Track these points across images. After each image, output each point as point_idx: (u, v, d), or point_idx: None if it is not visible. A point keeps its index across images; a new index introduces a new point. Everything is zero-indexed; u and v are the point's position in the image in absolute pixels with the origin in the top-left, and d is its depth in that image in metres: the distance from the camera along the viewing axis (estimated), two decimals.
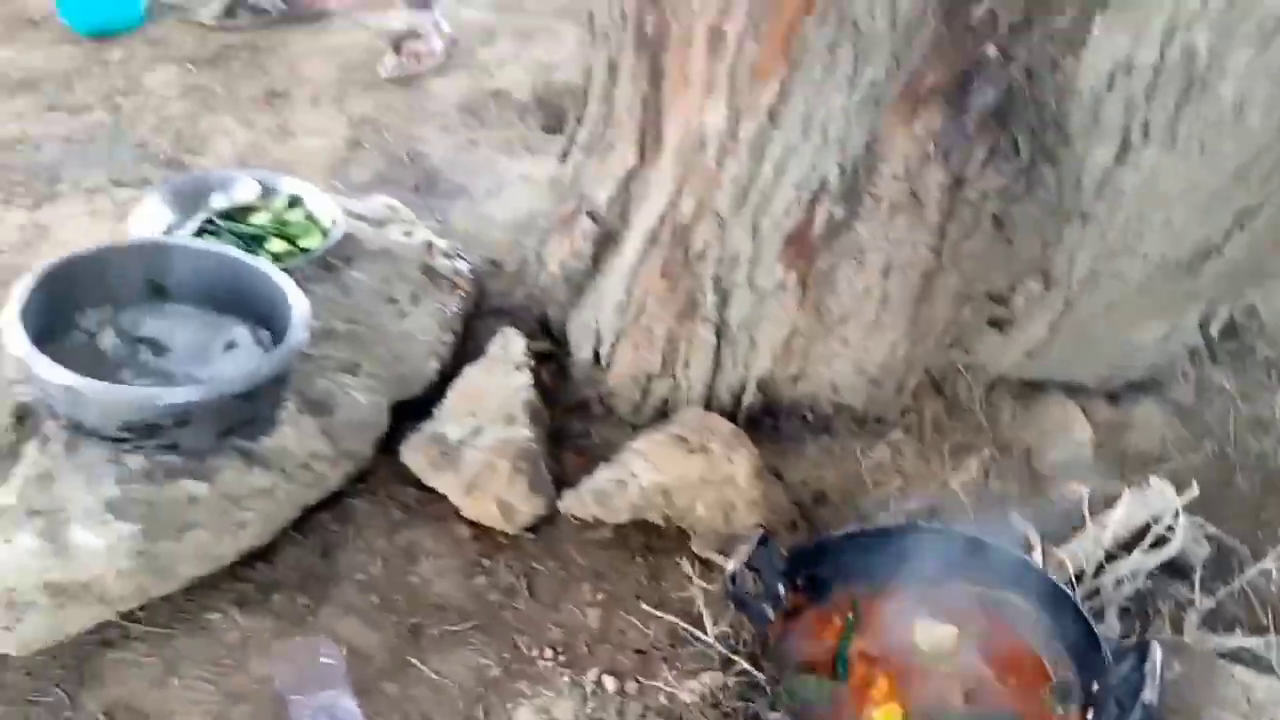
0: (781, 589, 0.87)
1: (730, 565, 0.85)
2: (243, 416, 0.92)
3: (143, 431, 0.88)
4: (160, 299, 1.04)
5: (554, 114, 1.72)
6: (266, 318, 1.01)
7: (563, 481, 1.04)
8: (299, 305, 0.97)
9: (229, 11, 1.91)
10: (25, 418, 0.96)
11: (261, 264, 1.02)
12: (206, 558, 0.93)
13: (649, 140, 1.05)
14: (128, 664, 0.90)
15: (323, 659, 0.83)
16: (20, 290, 0.91)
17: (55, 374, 0.86)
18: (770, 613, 0.86)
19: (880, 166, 0.97)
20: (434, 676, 0.89)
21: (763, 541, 0.87)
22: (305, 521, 1.00)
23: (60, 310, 0.98)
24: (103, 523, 0.87)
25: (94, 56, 1.84)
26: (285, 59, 1.85)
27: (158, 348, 1.01)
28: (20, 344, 0.87)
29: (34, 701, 0.87)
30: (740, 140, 0.96)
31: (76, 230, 1.42)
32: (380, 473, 1.06)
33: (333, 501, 1.02)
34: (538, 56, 1.91)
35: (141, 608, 0.92)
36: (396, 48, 1.80)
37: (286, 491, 0.97)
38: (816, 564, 0.91)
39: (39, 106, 1.70)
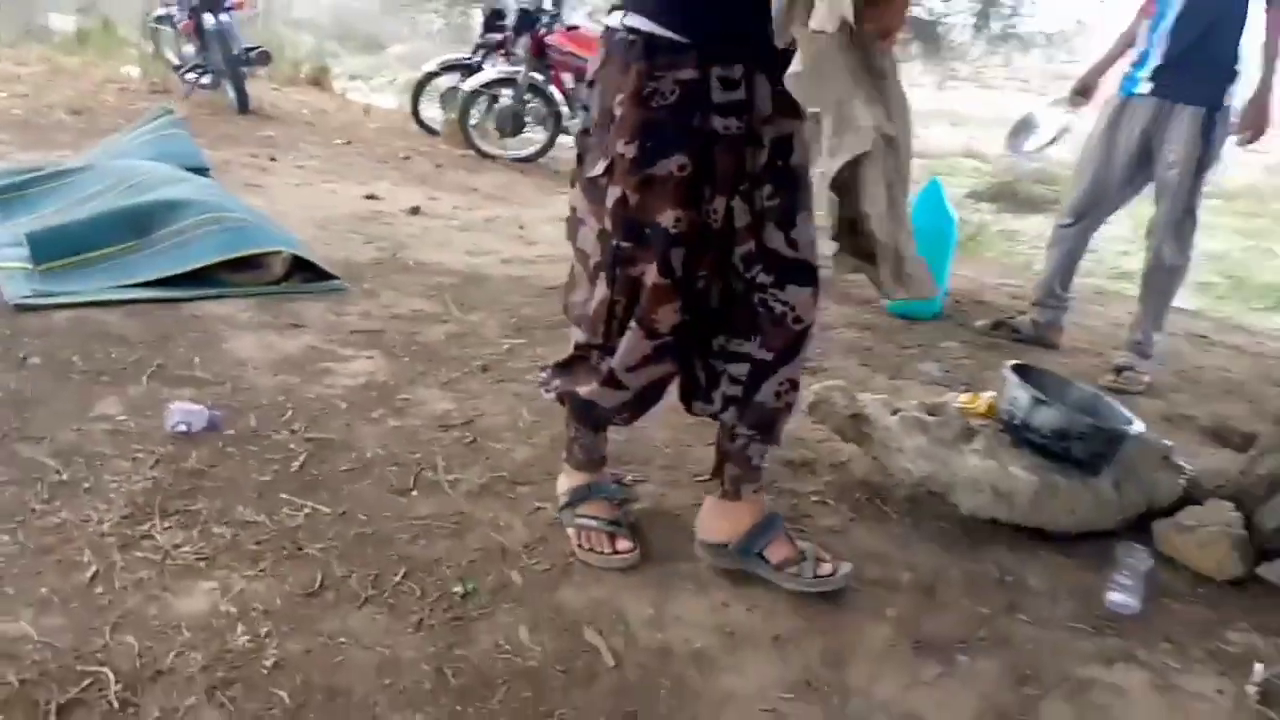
0: None
1: None
2: (1102, 452, 1.78)
3: (1059, 436, 1.77)
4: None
5: None
6: None
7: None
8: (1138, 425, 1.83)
9: (995, 326, 3.10)
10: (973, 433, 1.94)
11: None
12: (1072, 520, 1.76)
13: None
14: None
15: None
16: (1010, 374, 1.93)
17: (1031, 392, 1.81)
18: None
19: None
20: None
21: None
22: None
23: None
24: (1025, 470, 1.77)
25: (898, 330, 3.11)
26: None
27: None
28: (1017, 379, 1.86)
29: None
30: None
31: None
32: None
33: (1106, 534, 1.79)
34: None
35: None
36: None
37: (1109, 504, 1.78)
38: None
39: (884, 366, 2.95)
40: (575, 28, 5.30)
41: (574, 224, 1.47)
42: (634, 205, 1.34)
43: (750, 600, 1.53)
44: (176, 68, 5.62)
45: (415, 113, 5.78)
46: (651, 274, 1.36)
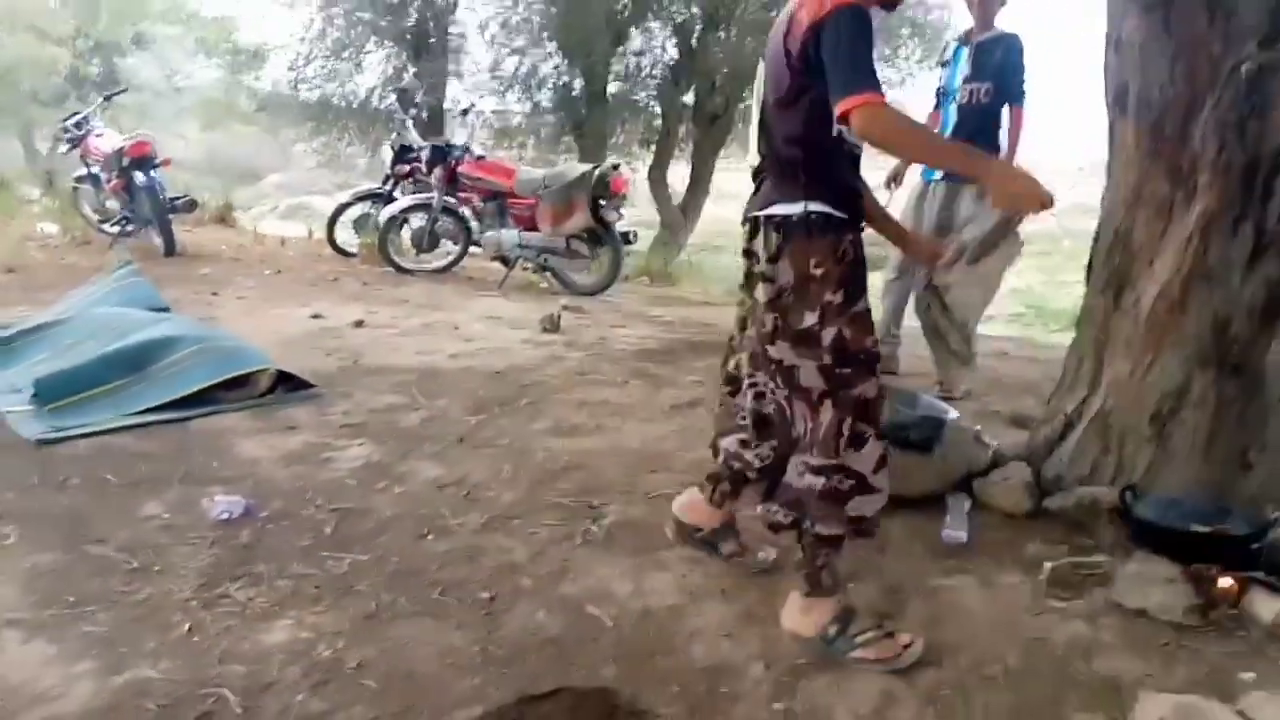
0: None
1: None
2: (931, 436, 2.37)
3: (899, 427, 2.35)
4: None
5: None
6: None
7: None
8: (953, 414, 2.44)
9: None
10: None
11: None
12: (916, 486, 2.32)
13: (1094, 383, 2.43)
14: None
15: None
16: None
17: None
18: None
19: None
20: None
21: None
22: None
23: None
24: None
25: None
26: None
27: None
28: None
29: None
30: (1135, 377, 2.31)
31: None
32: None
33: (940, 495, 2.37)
34: None
35: None
36: None
37: (940, 472, 2.36)
38: None
39: None
40: (482, 158, 5.89)
41: (787, 371, 1.67)
42: (849, 338, 1.63)
43: (702, 571, 2.00)
44: (102, 221, 5.82)
45: (331, 238, 6.16)
46: (872, 388, 1.66)
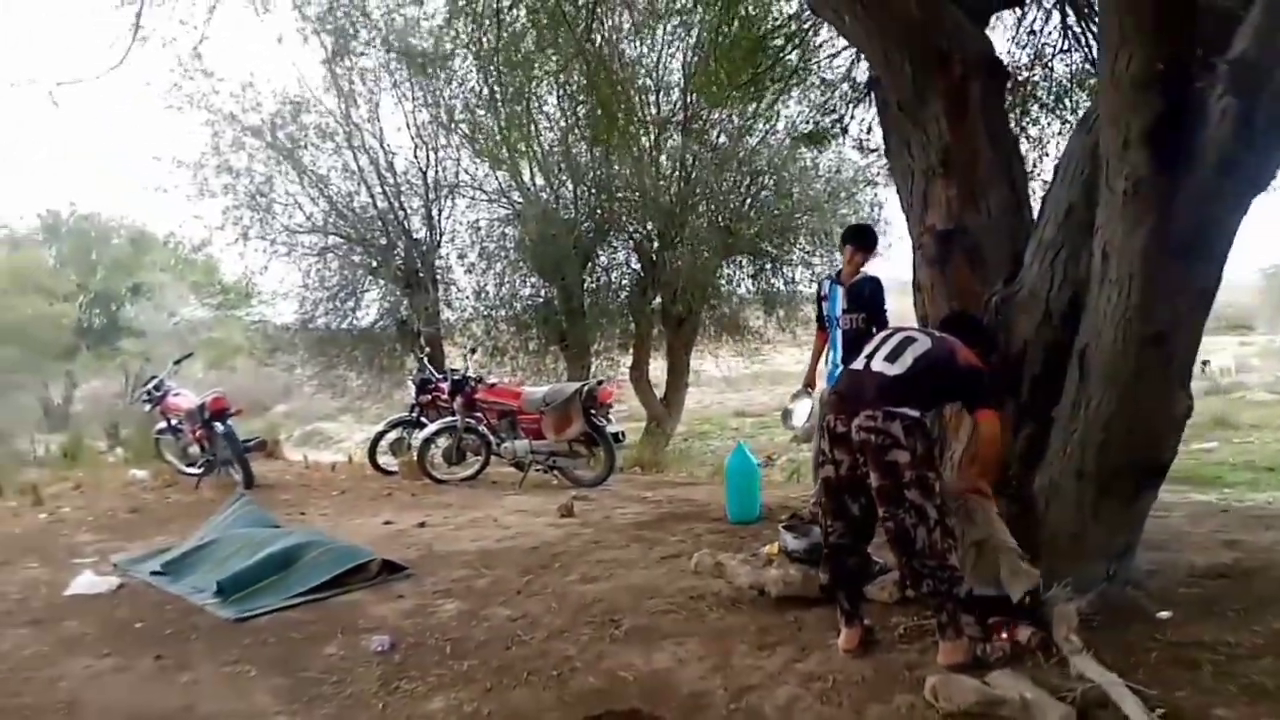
0: None
1: None
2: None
3: (809, 552, 3.75)
4: None
5: None
6: None
7: None
8: None
9: (791, 517, 5.15)
10: (773, 560, 3.89)
11: None
12: (794, 590, 3.70)
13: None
14: None
15: None
16: (783, 530, 3.93)
17: (794, 535, 3.81)
18: None
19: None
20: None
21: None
22: None
23: None
24: (796, 570, 3.72)
25: (738, 531, 5.10)
26: None
27: None
28: (786, 531, 3.87)
29: None
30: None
31: None
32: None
33: None
34: None
35: (789, 596, 3.68)
36: None
37: None
38: None
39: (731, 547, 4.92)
40: (494, 384, 7.55)
41: (919, 512, 2.96)
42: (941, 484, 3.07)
43: (685, 649, 3.33)
44: (188, 465, 7.32)
45: (374, 461, 7.66)
46: None
